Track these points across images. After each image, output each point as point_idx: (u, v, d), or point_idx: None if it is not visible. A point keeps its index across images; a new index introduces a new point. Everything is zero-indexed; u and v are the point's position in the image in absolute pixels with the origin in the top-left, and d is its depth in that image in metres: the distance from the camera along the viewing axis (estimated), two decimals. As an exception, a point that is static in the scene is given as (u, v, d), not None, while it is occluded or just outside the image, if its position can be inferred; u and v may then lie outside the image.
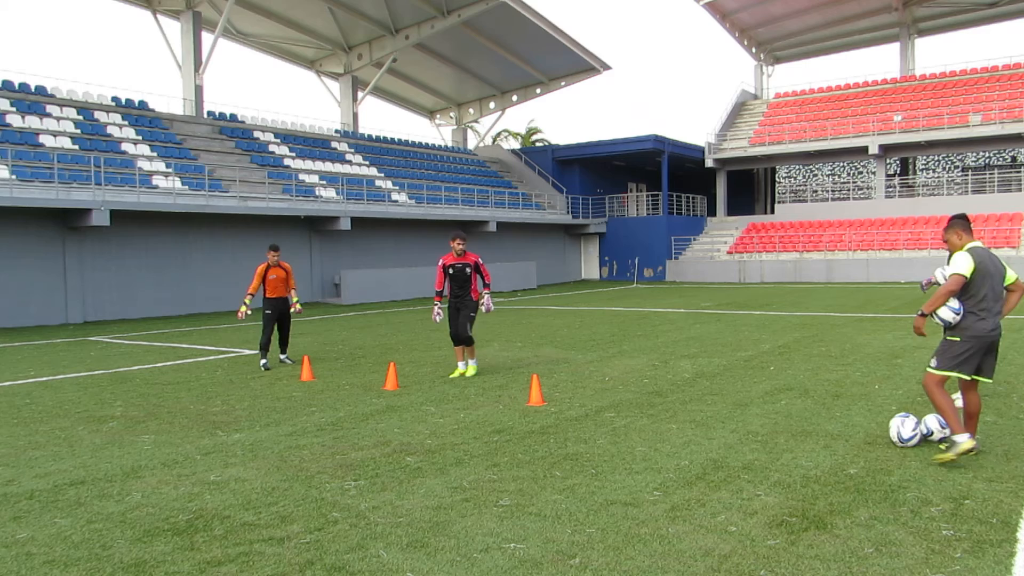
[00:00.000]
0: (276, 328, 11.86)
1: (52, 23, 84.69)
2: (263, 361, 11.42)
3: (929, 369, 5.84)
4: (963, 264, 5.62)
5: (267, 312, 11.68)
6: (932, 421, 6.28)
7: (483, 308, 10.78)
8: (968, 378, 5.78)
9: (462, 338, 10.42)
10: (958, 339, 5.67)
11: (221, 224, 24.54)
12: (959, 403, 7.48)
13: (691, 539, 4.34)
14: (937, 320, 5.79)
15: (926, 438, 6.25)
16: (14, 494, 5.45)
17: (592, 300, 26.02)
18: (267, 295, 11.70)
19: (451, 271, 10.65)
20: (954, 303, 5.71)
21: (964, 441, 5.50)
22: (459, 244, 10.59)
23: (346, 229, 27.26)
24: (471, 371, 10.44)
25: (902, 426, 6.22)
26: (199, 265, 24.11)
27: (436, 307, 10.68)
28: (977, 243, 5.82)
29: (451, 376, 10.31)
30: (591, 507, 4.91)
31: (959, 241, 5.88)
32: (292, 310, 11.91)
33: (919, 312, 5.75)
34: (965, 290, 5.65)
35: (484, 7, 33.69)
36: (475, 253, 11.20)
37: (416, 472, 5.79)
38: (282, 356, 11.98)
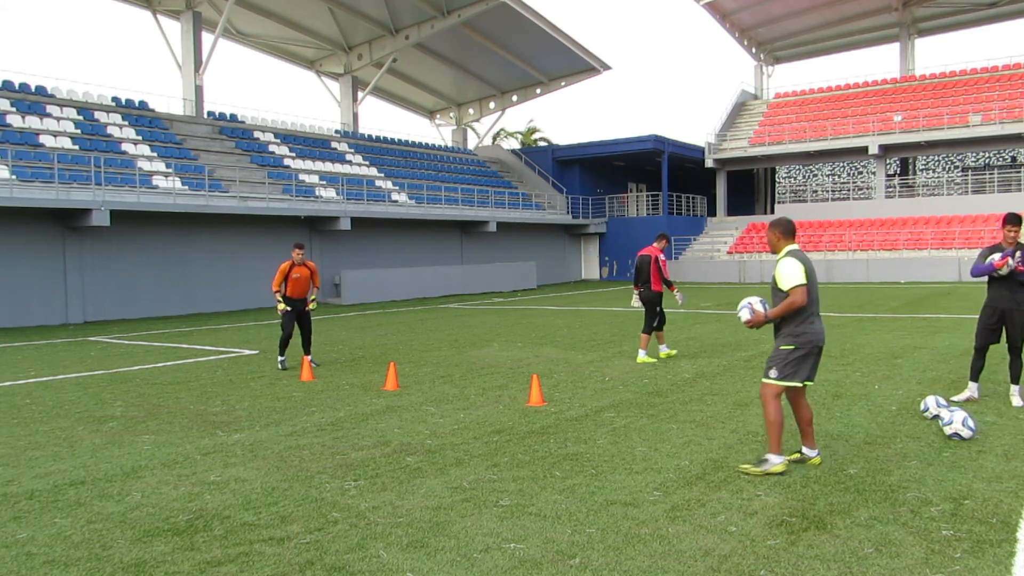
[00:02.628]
0: (297, 327, 11.48)
1: (52, 23, 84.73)
2: (281, 359, 11.22)
3: (766, 380, 5.58)
4: (795, 272, 5.43)
5: (287, 310, 11.41)
6: (930, 401, 6.96)
7: (677, 299, 11.73)
8: (801, 385, 5.60)
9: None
10: (793, 347, 5.49)
11: (221, 224, 24.55)
12: (972, 394, 7.76)
13: (691, 539, 4.34)
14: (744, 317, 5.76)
15: (923, 414, 7.01)
16: (14, 494, 5.45)
17: (592, 300, 26.02)
18: (288, 293, 11.42)
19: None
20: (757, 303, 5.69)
21: (778, 463, 5.47)
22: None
23: (346, 229, 27.26)
24: (671, 353, 11.62)
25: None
26: (199, 265, 24.11)
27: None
28: (795, 246, 5.67)
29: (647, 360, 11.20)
30: (591, 507, 4.91)
31: (779, 243, 5.70)
32: (307, 307, 11.58)
33: (765, 316, 5.56)
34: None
35: (484, 7, 33.68)
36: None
37: (416, 472, 5.80)
38: (309, 358, 11.30)
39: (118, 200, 21.40)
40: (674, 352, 11.72)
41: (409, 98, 43.76)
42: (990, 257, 7.55)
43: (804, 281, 5.41)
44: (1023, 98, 36.64)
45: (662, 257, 11.59)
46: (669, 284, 11.53)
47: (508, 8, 34.14)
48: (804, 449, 5.76)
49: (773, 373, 5.54)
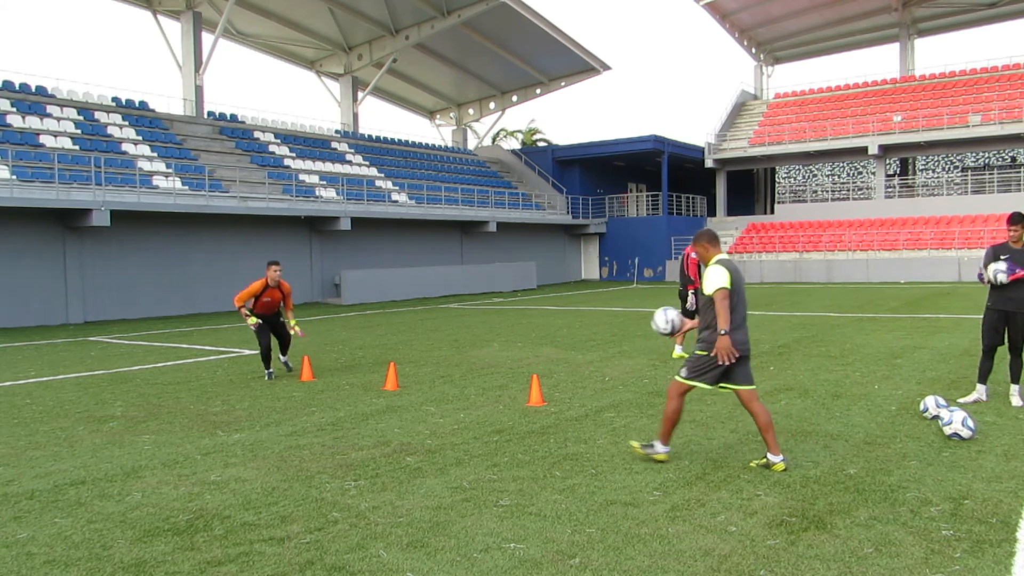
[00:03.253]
0: (272, 335, 10.90)
1: (52, 23, 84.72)
2: (268, 371, 10.58)
3: (676, 377, 5.82)
4: (721, 277, 5.57)
5: (259, 323, 10.69)
6: (930, 401, 7.01)
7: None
8: (709, 387, 5.74)
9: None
10: (706, 352, 5.63)
11: (221, 224, 24.55)
12: (980, 396, 7.82)
13: (691, 539, 4.34)
14: (657, 328, 6.22)
15: (923, 414, 7.08)
16: (14, 494, 5.45)
17: (592, 300, 26.02)
18: (256, 310, 10.67)
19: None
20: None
21: (662, 452, 5.87)
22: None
23: (346, 229, 27.27)
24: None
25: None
26: (199, 265, 24.12)
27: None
28: (723, 255, 5.80)
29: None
30: (591, 507, 4.91)
31: (707, 254, 5.84)
32: (292, 332, 10.95)
33: (721, 332, 5.51)
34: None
35: (484, 7, 33.69)
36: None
37: (416, 472, 5.80)
38: (283, 358, 11.17)
39: (118, 200, 21.41)
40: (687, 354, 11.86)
41: (409, 98, 43.76)
42: (993, 267, 7.46)
43: (727, 285, 5.54)
44: (1023, 98, 36.63)
45: (692, 256, 11.66)
46: (691, 283, 11.73)
47: (508, 8, 34.14)
48: (769, 455, 5.63)
49: (683, 372, 5.79)
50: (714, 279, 5.59)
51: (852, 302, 21.80)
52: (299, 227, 26.98)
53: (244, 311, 10.63)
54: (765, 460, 5.69)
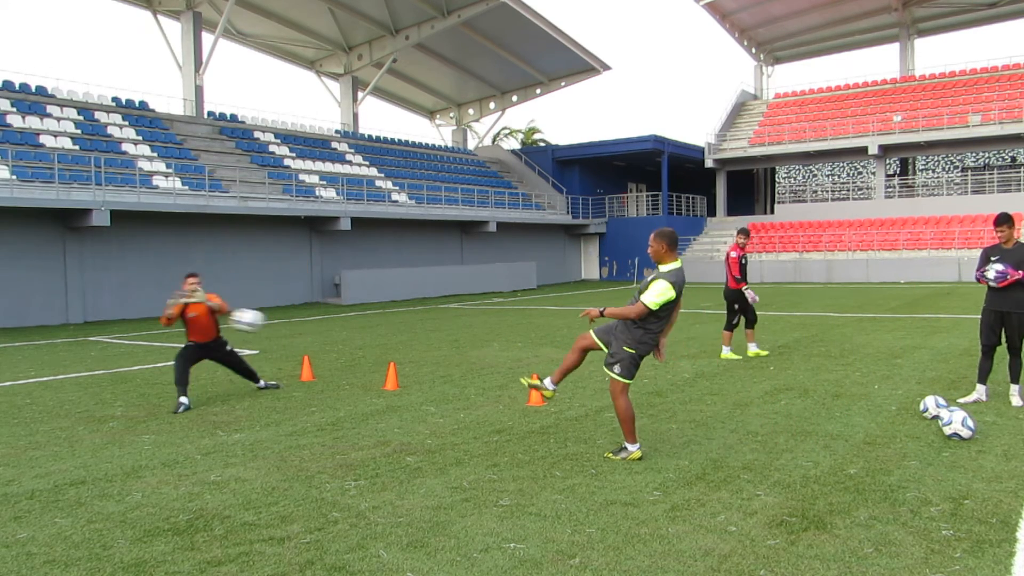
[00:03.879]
0: (219, 363, 9.31)
1: (52, 23, 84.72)
2: (182, 400, 8.40)
3: (614, 376, 5.97)
4: (659, 296, 5.74)
5: (188, 347, 8.92)
6: (930, 401, 7.07)
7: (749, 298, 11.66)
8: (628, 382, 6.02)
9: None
10: (634, 352, 5.89)
11: (221, 224, 24.55)
12: (980, 396, 7.85)
13: (691, 539, 4.34)
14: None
15: (922, 414, 7.11)
16: (14, 494, 5.45)
17: (592, 300, 26.02)
18: (192, 339, 8.98)
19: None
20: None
21: (635, 450, 5.99)
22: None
23: (346, 229, 27.26)
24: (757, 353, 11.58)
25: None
26: (199, 265, 24.04)
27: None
28: (676, 265, 5.91)
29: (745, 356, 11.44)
30: (591, 507, 4.91)
31: (665, 257, 5.93)
32: (226, 348, 9.24)
33: (600, 310, 5.88)
34: (655, 313, 5.81)
35: (484, 7, 33.68)
36: None
37: (416, 472, 5.80)
38: (261, 383, 9.49)
39: (118, 200, 21.40)
40: (764, 352, 11.62)
41: (409, 98, 43.76)
42: (993, 268, 7.56)
43: (655, 308, 5.75)
44: (1023, 98, 36.64)
45: (732, 255, 11.58)
46: (739, 281, 11.56)
47: (508, 8, 34.14)
48: (546, 380, 6.40)
49: (617, 369, 5.93)
50: (656, 296, 5.75)
51: (852, 302, 21.80)
52: (299, 227, 26.98)
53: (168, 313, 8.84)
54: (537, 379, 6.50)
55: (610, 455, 6.06)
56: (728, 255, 11.69)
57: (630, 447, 5.99)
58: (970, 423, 6.27)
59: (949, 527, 4.45)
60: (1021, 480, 5.29)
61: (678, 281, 5.82)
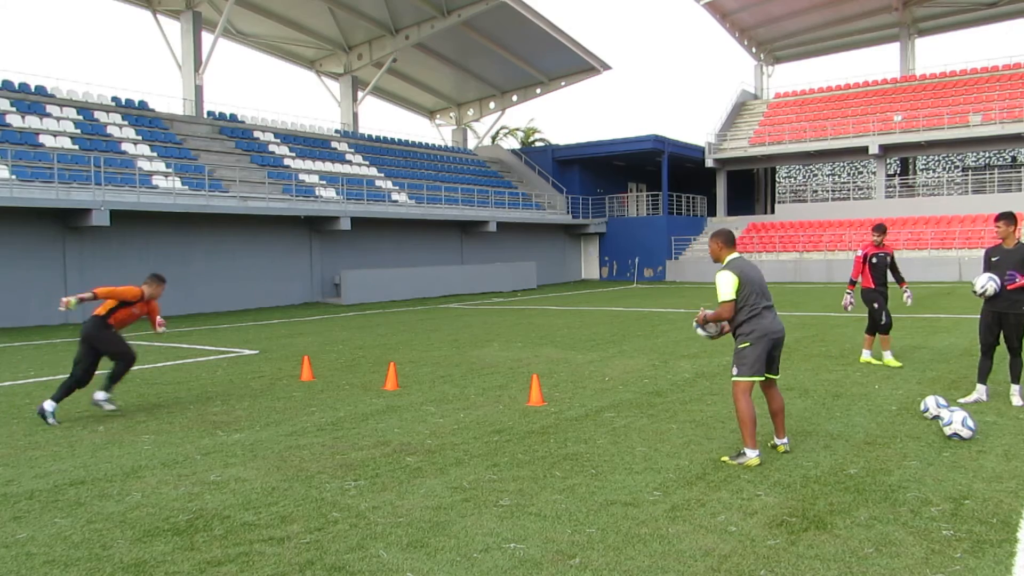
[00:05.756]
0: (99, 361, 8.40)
1: (52, 23, 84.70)
2: (51, 411, 7.76)
3: (734, 378, 5.89)
4: (727, 286, 5.83)
5: (71, 306, 7.97)
6: (930, 401, 7.05)
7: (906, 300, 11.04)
8: (763, 378, 5.96)
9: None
10: (749, 344, 5.83)
11: (221, 224, 24.54)
12: (980, 396, 7.83)
13: (691, 539, 4.34)
14: (702, 333, 6.14)
15: (923, 414, 7.09)
16: (14, 494, 5.45)
17: (592, 300, 26.02)
18: (110, 322, 8.36)
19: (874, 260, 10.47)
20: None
21: (752, 457, 5.77)
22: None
23: (346, 229, 27.26)
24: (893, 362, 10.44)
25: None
26: (199, 265, 24.11)
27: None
28: (735, 255, 6.03)
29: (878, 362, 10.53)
30: (591, 507, 4.90)
31: (721, 253, 6.06)
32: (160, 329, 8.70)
33: (703, 313, 6.03)
34: (738, 303, 5.86)
35: (484, 7, 33.68)
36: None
37: (416, 472, 5.79)
38: (101, 396, 8.26)
39: (118, 200, 21.40)
40: (898, 364, 10.29)
41: (409, 98, 43.75)
42: (991, 283, 7.63)
43: (732, 297, 5.81)
44: (1023, 98, 36.63)
45: (858, 253, 10.67)
46: (852, 283, 10.78)
47: (508, 8, 34.13)
48: (776, 439, 6.13)
49: (735, 370, 5.88)
50: (722, 289, 5.87)
51: (852, 302, 21.77)
52: (299, 227, 26.98)
53: (76, 299, 8.00)
54: (777, 444, 6.15)
55: (726, 459, 5.84)
56: (861, 254, 10.64)
57: (748, 452, 5.78)
58: (970, 423, 6.27)
59: (949, 527, 4.44)
60: (1022, 480, 5.29)
61: (739, 268, 5.87)
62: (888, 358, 10.42)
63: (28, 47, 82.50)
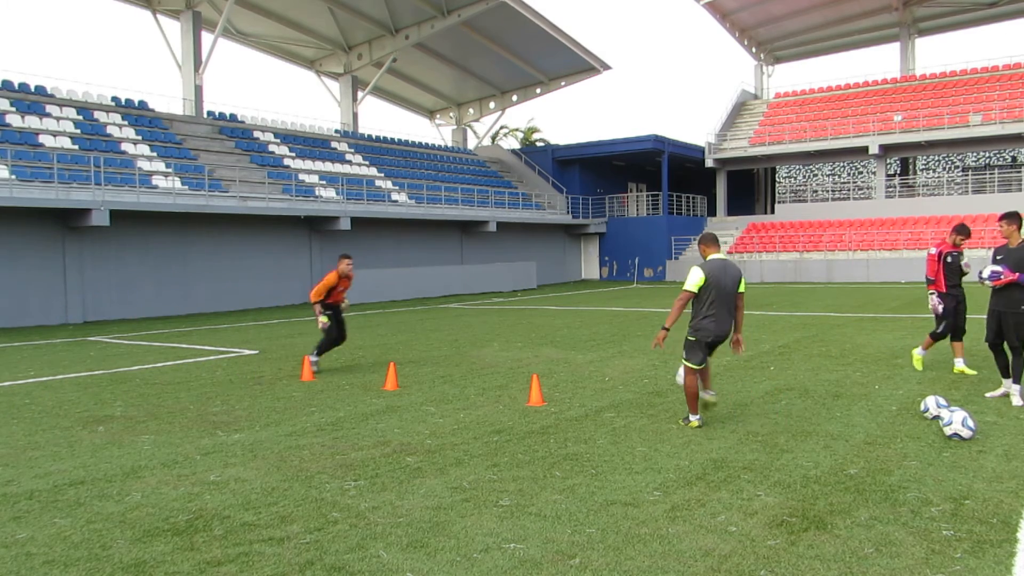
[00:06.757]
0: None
1: (52, 23, 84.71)
2: (316, 359, 10.93)
3: (684, 362, 7.08)
4: (693, 280, 6.90)
5: (330, 314, 11.10)
6: (930, 401, 7.08)
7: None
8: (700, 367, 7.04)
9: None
10: (694, 339, 6.95)
11: (221, 224, 24.54)
12: (1007, 389, 7.95)
13: (691, 539, 4.34)
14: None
15: (923, 415, 7.13)
16: (14, 494, 5.45)
17: (592, 300, 26.02)
18: (328, 300, 11.09)
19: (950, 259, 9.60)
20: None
21: (694, 420, 7.02)
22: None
23: (346, 229, 27.24)
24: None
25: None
26: (199, 265, 24.10)
27: None
28: (715, 256, 7.04)
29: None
30: (591, 507, 4.90)
31: (706, 253, 7.14)
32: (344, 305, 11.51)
33: (662, 327, 6.98)
34: (698, 298, 6.93)
35: (484, 7, 33.67)
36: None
37: (416, 472, 5.79)
38: (314, 357, 11.03)
39: (118, 200, 21.39)
40: (972, 372, 9.61)
41: (409, 98, 43.74)
42: (988, 268, 7.82)
43: (693, 290, 6.88)
44: (1023, 98, 36.63)
45: (931, 251, 9.75)
46: (931, 283, 9.73)
47: (508, 8, 34.13)
48: (702, 393, 7.13)
49: (685, 354, 7.05)
50: (688, 279, 6.97)
51: (852, 302, 21.79)
52: (299, 227, 26.97)
53: (319, 308, 10.86)
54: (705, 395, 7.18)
55: (680, 422, 7.10)
56: (934, 253, 9.77)
57: (692, 417, 7.01)
58: (970, 423, 6.27)
59: (950, 527, 4.44)
60: (1022, 480, 5.29)
61: (709, 269, 6.87)
62: (960, 366, 9.75)
63: (28, 47, 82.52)
